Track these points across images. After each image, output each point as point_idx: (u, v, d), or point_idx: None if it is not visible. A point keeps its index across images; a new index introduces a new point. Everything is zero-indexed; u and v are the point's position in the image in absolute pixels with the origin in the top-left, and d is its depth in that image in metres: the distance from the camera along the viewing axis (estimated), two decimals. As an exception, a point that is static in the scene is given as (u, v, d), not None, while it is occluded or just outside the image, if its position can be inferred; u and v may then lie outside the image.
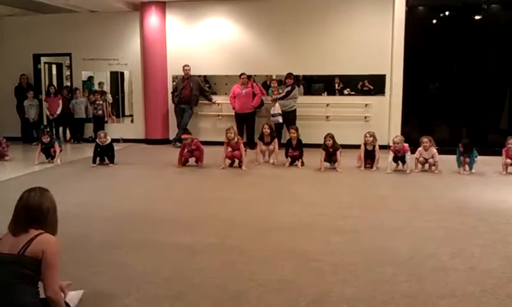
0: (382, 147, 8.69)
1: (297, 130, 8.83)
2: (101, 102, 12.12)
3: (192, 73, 11.23)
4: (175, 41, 11.68)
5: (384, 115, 10.64)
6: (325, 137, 8.33)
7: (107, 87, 13.20)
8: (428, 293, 3.43)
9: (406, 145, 8.16)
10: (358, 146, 8.66)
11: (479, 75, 10.19)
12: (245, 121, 10.90)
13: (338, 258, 4.14)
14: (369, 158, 8.41)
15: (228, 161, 8.60)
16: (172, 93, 11.51)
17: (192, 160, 8.76)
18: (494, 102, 10.45)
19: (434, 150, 8.10)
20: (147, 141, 11.93)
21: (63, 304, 2.85)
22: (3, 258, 2.64)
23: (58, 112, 11.94)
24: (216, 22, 11.46)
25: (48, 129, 10.29)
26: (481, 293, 3.42)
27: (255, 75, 11.36)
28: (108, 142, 8.86)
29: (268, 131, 8.88)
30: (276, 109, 10.49)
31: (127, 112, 13.51)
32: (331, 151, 8.33)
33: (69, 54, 12.49)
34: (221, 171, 8.30)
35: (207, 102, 11.48)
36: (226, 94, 11.35)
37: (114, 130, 11.88)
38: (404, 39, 10.21)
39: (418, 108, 10.64)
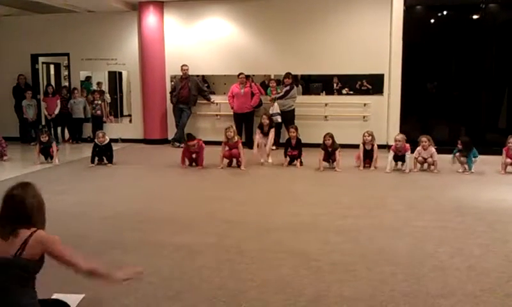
0: (380, 146, 8.70)
1: (296, 129, 8.83)
2: (99, 102, 12.10)
3: (190, 72, 11.21)
4: (173, 41, 11.67)
5: (383, 114, 10.65)
6: (324, 137, 8.34)
7: (105, 87, 13.19)
8: (427, 293, 3.43)
9: (407, 145, 8.17)
10: (356, 146, 8.66)
11: (477, 75, 10.20)
12: (244, 120, 10.89)
13: (337, 257, 4.14)
14: (368, 157, 8.41)
15: (226, 161, 8.59)
16: (170, 92, 11.49)
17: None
18: (492, 101, 10.46)
19: (433, 149, 8.11)
20: (145, 141, 11.91)
21: (102, 271, 2.82)
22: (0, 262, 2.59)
23: (56, 112, 11.91)
24: (214, 21, 11.45)
25: (46, 128, 10.29)
26: (480, 293, 3.43)
27: (254, 75, 11.37)
28: (107, 142, 8.85)
29: (267, 121, 9.01)
30: (275, 108, 10.49)
31: (125, 112, 13.49)
32: (330, 150, 8.33)
33: (67, 54, 12.47)
34: (220, 171, 8.29)
35: (205, 101, 11.47)
36: (224, 94, 11.34)
37: (112, 130, 11.85)
38: (402, 38, 10.21)
39: (417, 107, 10.64)
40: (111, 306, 3.31)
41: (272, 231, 4.89)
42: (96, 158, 8.84)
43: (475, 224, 5.11)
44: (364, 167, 8.40)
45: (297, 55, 11.02)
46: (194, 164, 8.64)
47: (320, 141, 8.43)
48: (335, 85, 11.22)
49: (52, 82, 14.47)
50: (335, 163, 8.38)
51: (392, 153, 8.20)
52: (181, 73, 11.19)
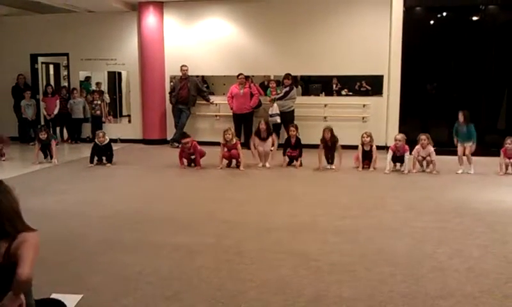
0: (379, 148, 8.70)
1: (296, 128, 8.83)
2: (99, 102, 12.10)
3: (190, 73, 11.21)
4: (172, 42, 11.67)
5: (382, 116, 10.65)
6: (323, 131, 8.35)
7: (104, 87, 13.18)
8: (426, 294, 3.43)
9: (406, 146, 8.17)
10: (355, 147, 8.66)
11: (476, 76, 10.21)
12: (243, 121, 10.89)
13: (336, 258, 4.14)
14: (367, 159, 8.42)
15: (225, 161, 8.59)
16: (170, 93, 11.50)
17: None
18: (492, 103, 10.46)
19: (431, 148, 8.11)
20: (145, 141, 11.91)
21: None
22: None
23: (55, 112, 11.91)
24: (213, 22, 11.46)
25: (44, 125, 10.27)
26: (479, 294, 3.43)
27: (253, 76, 11.37)
28: (106, 142, 8.84)
29: (264, 127, 8.73)
30: (274, 109, 10.50)
31: (124, 112, 13.48)
32: (329, 144, 8.32)
33: (66, 54, 12.47)
34: (219, 172, 8.29)
35: (204, 102, 11.48)
36: (224, 94, 11.34)
37: (111, 130, 11.84)
38: (402, 40, 10.21)
39: (416, 109, 10.65)
40: None
41: (272, 232, 4.89)
42: (96, 158, 8.84)
43: (474, 225, 5.11)
44: (363, 168, 8.40)
45: (296, 56, 11.03)
46: (193, 164, 8.64)
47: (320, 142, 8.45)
48: (334, 86, 11.23)
49: (52, 82, 14.46)
50: (333, 165, 8.38)
51: (390, 153, 8.20)
52: (180, 74, 11.19)
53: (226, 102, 11.01)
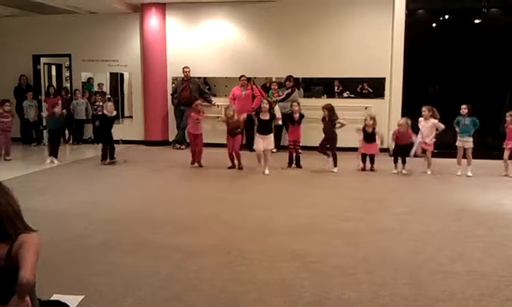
0: (381, 150, 8.67)
1: (299, 104, 8.88)
2: (101, 104, 12.10)
3: (192, 74, 11.23)
4: (175, 43, 11.69)
5: (384, 118, 10.61)
6: (322, 109, 8.45)
7: (106, 89, 13.19)
8: (427, 297, 3.43)
9: (411, 131, 8.17)
10: (357, 149, 8.67)
11: (478, 79, 10.21)
12: (245, 123, 10.86)
13: (337, 260, 4.14)
14: (369, 141, 8.37)
15: (228, 163, 8.57)
16: (172, 94, 11.52)
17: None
18: (493, 106, 10.45)
19: (433, 121, 8.10)
20: (146, 143, 11.92)
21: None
22: None
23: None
24: (216, 24, 11.47)
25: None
26: (480, 297, 3.42)
27: (255, 78, 11.37)
28: (114, 114, 9.19)
29: (267, 106, 8.33)
30: (276, 111, 10.48)
31: (126, 114, 13.48)
32: (327, 120, 8.36)
33: (69, 55, 12.49)
34: (221, 173, 8.28)
35: (206, 103, 11.47)
36: (226, 96, 11.34)
37: (113, 131, 11.82)
38: (404, 42, 10.23)
39: (418, 111, 10.59)
40: (110, 307, 3.31)
41: (273, 233, 4.89)
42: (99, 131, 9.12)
43: (475, 228, 5.11)
44: (363, 162, 8.39)
45: (298, 58, 11.03)
46: (196, 164, 8.64)
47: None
48: (336, 88, 11.22)
49: (54, 83, 14.47)
50: (329, 165, 8.35)
51: (393, 141, 8.17)
52: (182, 75, 11.21)
53: (228, 103, 11.00)
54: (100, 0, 10.71)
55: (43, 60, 13.19)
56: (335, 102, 10.98)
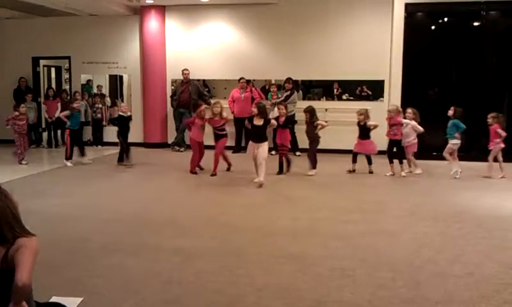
0: (380, 152, 8.66)
1: (286, 107, 8.73)
2: (100, 106, 12.14)
3: (191, 77, 11.24)
4: (174, 46, 11.70)
5: (383, 120, 10.62)
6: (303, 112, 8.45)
7: (105, 91, 13.19)
8: (426, 299, 3.43)
9: (399, 117, 8.26)
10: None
11: (477, 81, 10.21)
12: (244, 125, 10.87)
13: (336, 262, 4.14)
14: (364, 137, 8.40)
15: (225, 166, 8.55)
16: (171, 96, 11.53)
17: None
18: (492, 108, 10.44)
19: (414, 123, 8.19)
20: (145, 145, 11.92)
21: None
22: None
23: (57, 115, 11.90)
24: (215, 26, 11.49)
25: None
26: (479, 299, 3.43)
27: (254, 80, 11.38)
28: (129, 113, 9.34)
29: (255, 111, 7.69)
30: (275, 113, 10.48)
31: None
32: (308, 122, 8.34)
33: (68, 57, 12.50)
34: (220, 176, 8.27)
35: (205, 106, 11.46)
36: (225, 98, 11.34)
37: (112, 133, 11.84)
38: (403, 45, 10.24)
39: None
40: (109, 310, 3.31)
41: (272, 236, 4.90)
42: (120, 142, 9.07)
43: (474, 231, 5.11)
44: (352, 168, 8.40)
45: (298, 60, 11.05)
46: (200, 169, 8.56)
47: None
48: (335, 90, 11.24)
49: (53, 85, 14.48)
50: (312, 170, 8.29)
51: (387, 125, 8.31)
52: (182, 78, 11.22)
53: (227, 105, 11.01)
54: (99, 2, 10.73)
55: (42, 62, 13.21)
56: (334, 104, 11.08)
